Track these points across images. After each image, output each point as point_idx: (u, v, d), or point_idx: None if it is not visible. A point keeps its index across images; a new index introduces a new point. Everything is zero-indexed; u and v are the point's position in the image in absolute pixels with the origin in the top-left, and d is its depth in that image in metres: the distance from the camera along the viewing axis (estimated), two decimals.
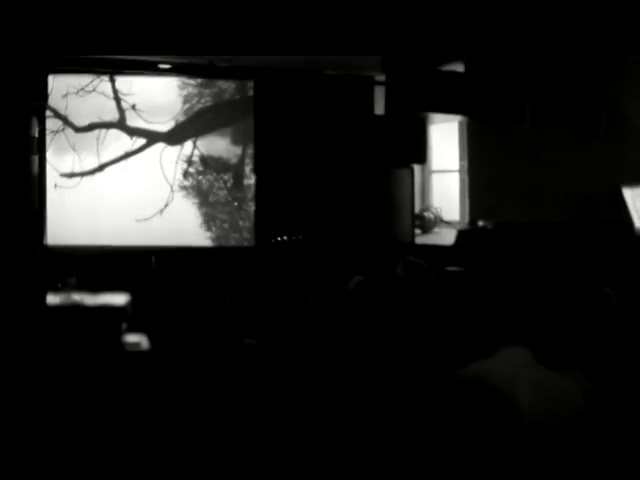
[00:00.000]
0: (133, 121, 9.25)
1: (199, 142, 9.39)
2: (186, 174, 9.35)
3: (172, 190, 9.29)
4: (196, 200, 9.35)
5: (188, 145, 9.36)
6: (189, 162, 9.36)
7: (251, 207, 9.40)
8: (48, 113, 9.04)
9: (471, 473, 2.43)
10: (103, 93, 9.20)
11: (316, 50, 7.74)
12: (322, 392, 3.42)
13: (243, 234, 9.41)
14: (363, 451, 2.90)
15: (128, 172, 9.22)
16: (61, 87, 9.07)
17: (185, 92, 9.41)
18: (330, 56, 8.23)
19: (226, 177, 9.44)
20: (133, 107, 9.22)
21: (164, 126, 9.31)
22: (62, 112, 9.11)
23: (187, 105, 9.39)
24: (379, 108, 9.34)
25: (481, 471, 2.43)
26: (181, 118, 9.36)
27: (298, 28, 7.53)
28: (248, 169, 9.42)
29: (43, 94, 8.84)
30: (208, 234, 9.36)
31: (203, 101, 9.44)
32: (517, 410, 2.52)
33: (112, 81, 9.20)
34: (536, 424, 3.07)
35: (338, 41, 7.65)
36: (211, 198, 9.41)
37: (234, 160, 9.45)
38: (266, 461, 3.10)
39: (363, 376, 3.49)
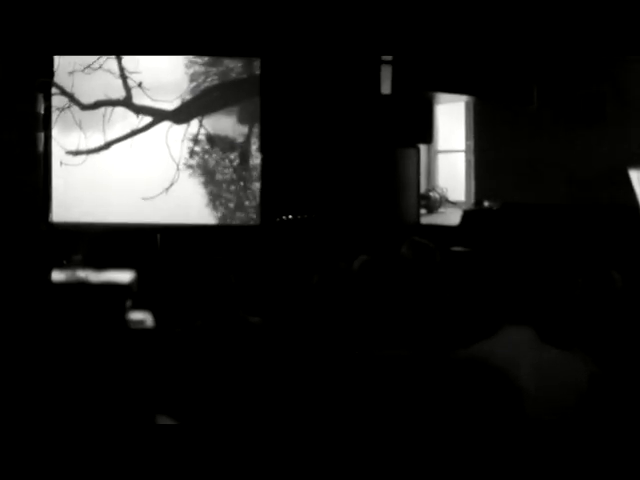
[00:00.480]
0: (139, 99, 9.23)
1: (205, 121, 9.37)
2: (192, 153, 9.34)
3: (178, 169, 9.29)
4: (202, 179, 9.34)
5: (194, 124, 9.34)
6: (195, 141, 9.34)
7: (257, 186, 9.39)
8: (54, 90, 9.03)
9: (472, 454, 2.44)
10: (109, 71, 9.19)
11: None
12: (326, 370, 3.43)
13: (249, 213, 9.41)
14: (365, 430, 2.91)
15: (134, 150, 9.22)
16: (67, 64, 9.05)
17: (192, 70, 9.38)
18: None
19: (232, 156, 9.43)
20: (139, 85, 9.21)
21: (170, 104, 9.30)
22: (68, 89, 9.10)
23: (194, 83, 9.37)
24: (385, 87, 9.31)
25: (482, 452, 2.43)
26: (187, 96, 9.34)
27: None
28: (254, 148, 9.41)
29: (49, 71, 8.83)
30: (214, 213, 9.36)
31: (209, 80, 9.42)
32: (518, 391, 2.52)
33: (118, 59, 9.18)
34: (539, 404, 3.08)
35: (344, 25, 7.64)
36: (217, 177, 9.40)
37: (240, 139, 9.43)
38: (269, 439, 3.11)
39: (367, 355, 3.50)
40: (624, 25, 6.99)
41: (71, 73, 9.07)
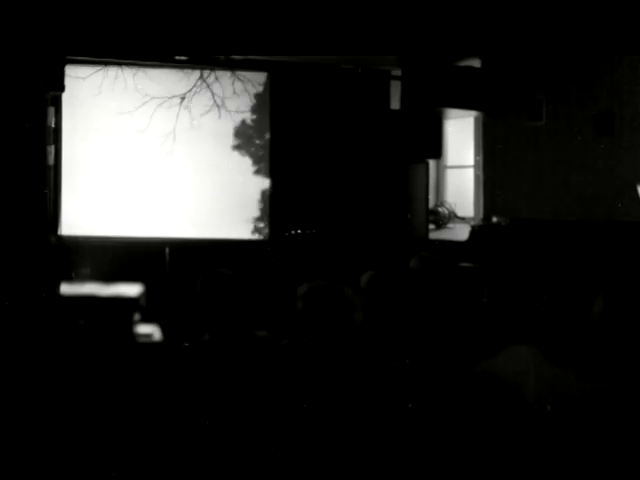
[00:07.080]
0: (149, 111, 9.24)
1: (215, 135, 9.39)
2: (201, 167, 9.34)
3: (187, 182, 9.29)
4: (211, 192, 9.34)
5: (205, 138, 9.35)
6: (205, 155, 9.35)
7: (266, 200, 9.40)
8: (64, 103, 9.03)
9: (479, 468, 2.43)
10: (120, 83, 9.19)
11: (332, 49, 7.74)
12: (334, 384, 3.42)
13: (257, 227, 9.41)
14: (373, 443, 2.91)
15: (143, 164, 9.22)
16: (79, 76, 9.06)
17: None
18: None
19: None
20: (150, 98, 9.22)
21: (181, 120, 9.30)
22: (78, 102, 9.10)
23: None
24: (395, 103, 9.33)
25: (489, 466, 2.43)
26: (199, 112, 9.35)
27: (313, 27, 7.53)
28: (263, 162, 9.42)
29: (60, 84, 8.85)
30: (222, 226, 9.36)
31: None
32: (527, 406, 2.53)
33: (130, 70, 9.18)
34: (543, 420, 3.07)
35: (354, 39, 7.65)
36: (226, 190, 9.40)
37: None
38: (276, 453, 3.10)
39: (374, 368, 3.49)
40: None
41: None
